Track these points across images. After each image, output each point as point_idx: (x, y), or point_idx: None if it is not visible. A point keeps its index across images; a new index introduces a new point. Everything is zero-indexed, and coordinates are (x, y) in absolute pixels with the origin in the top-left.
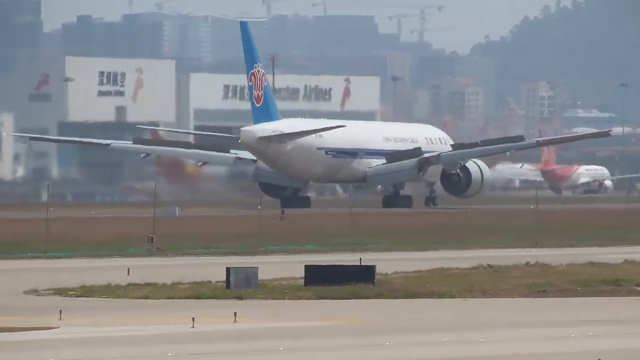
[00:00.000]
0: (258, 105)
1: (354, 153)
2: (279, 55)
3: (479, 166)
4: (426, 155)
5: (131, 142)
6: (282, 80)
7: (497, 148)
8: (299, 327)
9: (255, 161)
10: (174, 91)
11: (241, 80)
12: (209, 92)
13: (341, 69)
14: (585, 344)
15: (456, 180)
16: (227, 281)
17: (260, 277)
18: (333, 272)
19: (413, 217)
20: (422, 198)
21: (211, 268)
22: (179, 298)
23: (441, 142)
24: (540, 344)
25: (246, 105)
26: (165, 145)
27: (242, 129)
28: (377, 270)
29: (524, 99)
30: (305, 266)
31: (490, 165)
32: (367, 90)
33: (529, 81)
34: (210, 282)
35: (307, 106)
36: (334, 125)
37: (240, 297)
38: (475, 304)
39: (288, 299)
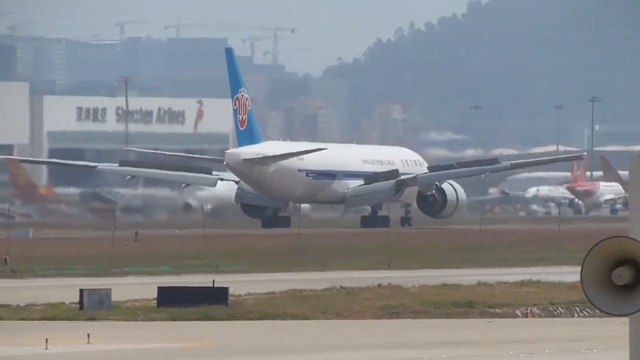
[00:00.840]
0: (242, 129)
1: (333, 175)
2: (132, 78)
3: (454, 188)
4: (403, 177)
5: (117, 165)
6: (136, 103)
7: (472, 170)
8: (152, 349)
9: (237, 182)
10: (28, 113)
11: (95, 102)
12: (63, 114)
13: (194, 92)
14: None
15: (432, 202)
16: (81, 303)
17: (113, 298)
18: (186, 294)
19: (268, 239)
20: (399, 218)
21: (65, 290)
22: (32, 319)
23: (416, 164)
24: None
25: (101, 127)
26: (150, 168)
27: (227, 151)
28: (231, 291)
29: (377, 121)
30: (158, 287)
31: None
32: (220, 112)
33: (383, 103)
34: (63, 303)
35: (161, 129)
36: (315, 148)
37: (93, 319)
38: (328, 326)
39: (141, 320)
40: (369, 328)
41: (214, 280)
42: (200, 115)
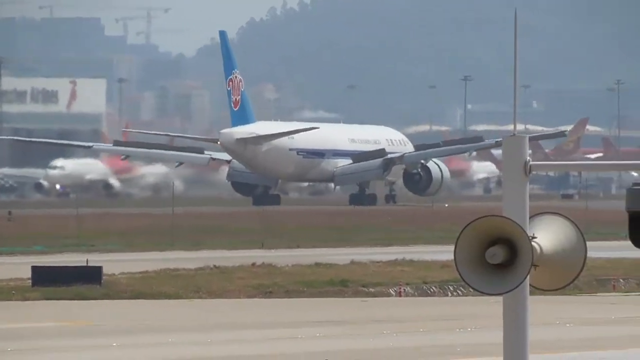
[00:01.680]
0: (235, 110)
1: (322, 154)
2: (6, 58)
3: (439, 166)
4: (390, 155)
5: (112, 145)
6: (10, 83)
7: (458, 148)
8: (27, 328)
9: (228, 162)
10: None
11: None
12: None
13: (68, 71)
14: (313, 345)
15: (418, 179)
16: None
17: None
18: (60, 273)
19: (141, 218)
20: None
21: None
22: None
23: (401, 144)
24: (267, 344)
25: None
26: (144, 147)
27: (221, 131)
28: (105, 271)
29: (251, 101)
30: (32, 267)
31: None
32: (93, 92)
33: (256, 83)
34: None
35: (35, 108)
36: (306, 127)
37: None
38: (202, 305)
39: (15, 300)
40: (243, 307)
41: (87, 260)
42: (73, 95)
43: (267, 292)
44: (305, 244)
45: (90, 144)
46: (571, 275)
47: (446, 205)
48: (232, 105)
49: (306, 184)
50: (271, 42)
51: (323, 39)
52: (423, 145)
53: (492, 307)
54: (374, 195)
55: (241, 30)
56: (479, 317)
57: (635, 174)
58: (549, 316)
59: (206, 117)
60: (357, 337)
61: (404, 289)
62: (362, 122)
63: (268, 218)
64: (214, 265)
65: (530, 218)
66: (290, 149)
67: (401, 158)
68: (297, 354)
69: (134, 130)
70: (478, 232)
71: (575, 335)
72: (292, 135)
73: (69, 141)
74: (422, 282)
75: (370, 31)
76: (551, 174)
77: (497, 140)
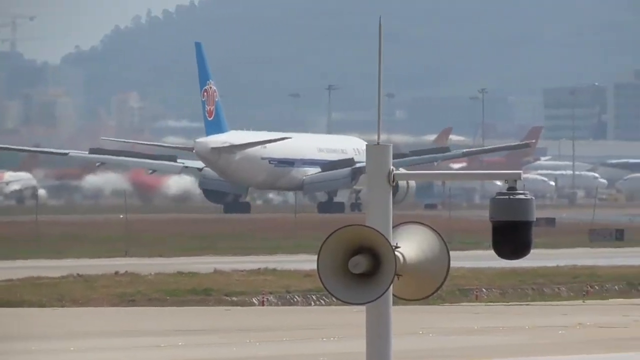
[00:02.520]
0: (210, 119)
1: (292, 162)
2: None
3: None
4: (358, 164)
5: (87, 152)
6: None
7: (425, 158)
8: None
9: (200, 170)
10: None
11: None
12: None
13: None
14: (176, 353)
15: None
16: None
17: None
18: None
19: (5, 226)
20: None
21: None
22: None
23: None
24: (130, 352)
25: None
26: (118, 155)
27: (196, 140)
28: None
29: (115, 110)
30: None
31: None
32: None
33: (120, 91)
34: None
35: None
36: (278, 137)
37: None
38: (65, 313)
39: None
40: (106, 316)
41: None
42: None
43: (130, 300)
44: (169, 253)
45: (67, 151)
46: (434, 285)
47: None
48: (207, 115)
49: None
50: (136, 50)
51: (187, 47)
52: (393, 155)
53: (355, 317)
54: (341, 203)
55: (106, 38)
56: (343, 326)
57: (499, 183)
58: (412, 326)
59: (71, 125)
60: (221, 346)
61: (267, 298)
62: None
63: (132, 226)
64: (78, 274)
65: (393, 227)
66: (262, 158)
67: None
68: None
69: (109, 138)
70: (341, 241)
71: (438, 345)
72: (265, 145)
73: (41, 148)
74: (286, 291)
75: (235, 39)
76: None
77: (463, 151)
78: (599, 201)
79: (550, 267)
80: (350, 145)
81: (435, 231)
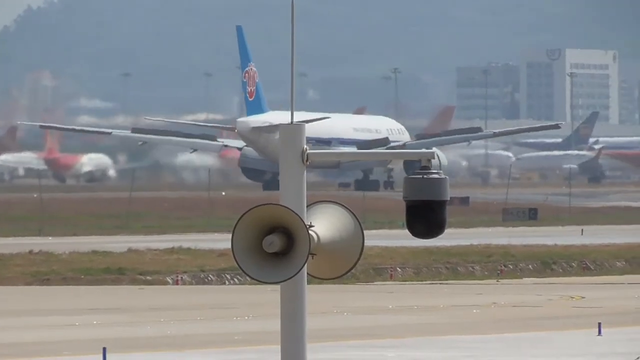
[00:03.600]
0: (251, 100)
1: (328, 142)
2: None
3: (437, 154)
4: (392, 143)
5: (130, 131)
6: None
7: (457, 138)
8: None
9: (240, 149)
10: None
11: None
12: None
13: None
14: (90, 332)
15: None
16: None
17: None
18: None
19: None
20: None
21: None
22: None
23: (399, 132)
24: (45, 331)
25: None
26: (161, 135)
27: (238, 120)
28: None
29: (27, 88)
30: None
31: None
32: None
33: (32, 71)
34: None
35: None
36: (317, 117)
37: None
38: None
39: None
40: (20, 294)
41: None
42: None
43: (44, 279)
44: (82, 232)
45: (110, 130)
46: (349, 264)
47: (223, 193)
48: (248, 95)
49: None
50: (48, 30)
51: (98, 27)
52: (424, 135)
53: (269, 296)
54: (376, 181)
55: (19, 18)
56: (257, 305)
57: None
58: (327, 305)
59: None
60: (135, 325)
61: (181, 277)
62: (137, 110)
63: (47, 205)
64: None
65: (308, 207)
66: None
67: (403, 146)
68: (75, 341)
69: (151, 118)
70: (255, 220)
71: (353, 324)
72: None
73: (85, 127)
74: (200, 270)
75: (145, 18)
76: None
77: (494, 131)
78: (512, 180)
79: (464, 246)
80: (384, 125)
81: (349, 210)
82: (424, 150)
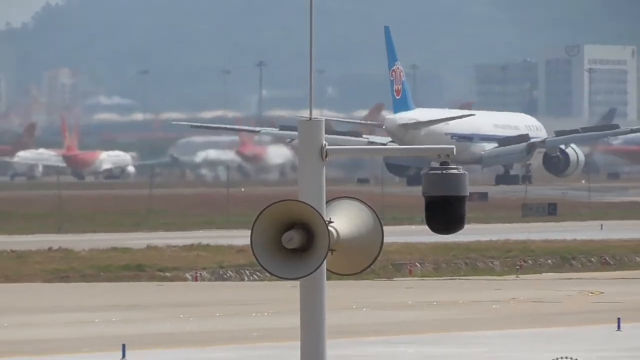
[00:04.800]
0: (397, 97)
1: (471, 138)
2: None
3: (575, 150)
4: (532, 140)
5: (278, 129)
6: None
7: (596, 135)
8: None
9: (384, 145)
10: None
11: None
12: None
13: None
14: (109, 329)
15: (557, 162)
16: None
17: None
18: None
19: None
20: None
21: None
22: None
23: (537, 129)
24: (64, 328)
25: None
26: None
27: (386, 117)
28: None
29: (46, 87)
30: None
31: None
32: None
33: (51, 68)
34: None
35: None
36: (461, 114)
37: None
38: None
39: None
40: (39, 291)
41: None
42: None
43: (63, 276)
44: (101, 229)
45: (259, 128)
46: (368, 260)
47: (242, 189)
48: (395, 93)
49: None
50: (66, 27)
51: (116, 24)
52: (562, 132)
53: (289, 292)
54: (516, 175)
55: (36, 15)
56: (276, 301)
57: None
58: (346, 301)
59: (1, 103)
60: (154, 322)
61: (200, 274)
62: (156, 107)
63: (66, 202)
64: (11, 250)
65: (326, 203)
66: (445, 134)
67: (543, 142)
68: (94, 338)
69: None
70: (274, 216)
71: (373, 319)
72: (447, 122)
73: (227, 125)
74: (219, 267)
75: (162, 16)
76: (347, 158)
77: (632, 128)
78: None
79: (483, 241)
80: (523, 122)
81: (368, 206)
82: (444, 146)
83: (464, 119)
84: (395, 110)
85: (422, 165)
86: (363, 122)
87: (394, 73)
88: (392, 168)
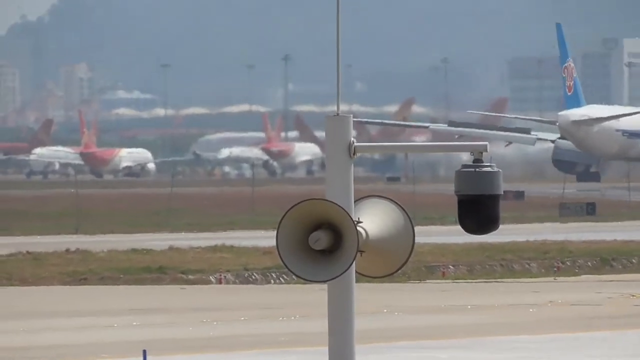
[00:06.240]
0: (569, 94)
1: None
2: None
3: None
4: None
5: (446, 125)
6: None
7: None
8: None
9: (553, 141)
10: None
11: None
12: None
13: None
14: (130, 334)
15: None
16: None
17: None
18: None
19: None
20: None
21: None
22: None
23: None
24: (82, 333)
25: None
26: (477, 128)
27: (559, 113)
28: None
29: (63, 81)
30: None
31: None
32: None
33: (68, 63)
34: None
35: None
36: (632, 112)
37: None
38: (14, 292)
39: None
40: (57, 295)
41: None
42: None
43: (81, 279)
44: (121, 229)
45: (427, 124)
46: (399, 262)
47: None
48: (567, 89)
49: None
50: (84, 20)
51: (135, 17)
52: None
53: (317, 295)
54: (596, 173)
55: (53, 8)
56: (303, 305)
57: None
58: (377, 304)
59: (17, 97)
60: (176, 326)
61: (225, 276)
62: (177, 102)
63: (83, 202)
64: (27, 251)
65: (355, 202)
66: (617, 130)
67: None
68: (114, 343)
69: (476, 112)
70: (301, 216)
71: (404, 324)
72: (619, 118)
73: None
74: (244, 269)
75: (184, 8)
76: (376, 156)
77: None
78: (569, 174)
79: (519, 242)
80: None
81: (399, 205)
82: (476, 142)
83: (635, 115)
84: (568, 107)
85: (592, 162)
86: (497, 114)
87: (566, 70)
88: (560, 165)
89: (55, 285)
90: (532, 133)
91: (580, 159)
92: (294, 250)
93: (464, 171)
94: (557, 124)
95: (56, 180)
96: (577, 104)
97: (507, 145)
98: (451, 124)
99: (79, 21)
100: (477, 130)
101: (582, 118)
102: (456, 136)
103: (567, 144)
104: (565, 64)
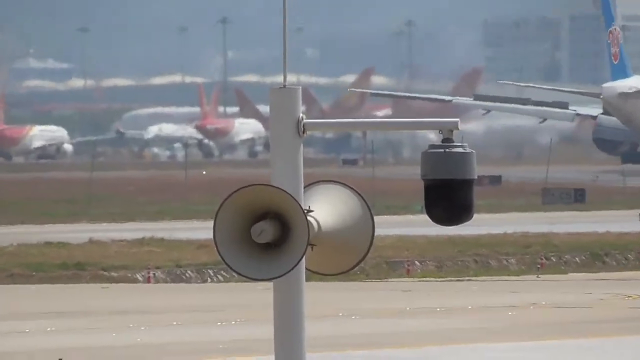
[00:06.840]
0: (615, 63)
1: None
2: None
3: None
4: None
5: (472, 99)
6: None
7: None
8: None
9: (594, 117)
10: None
11: None
12: None
13: None
14: (44, 341)
15: None
16: None
17: None
18: None
19: None
20: None
21: None
22: None
23: None
24: None
25: None
26: (506, 102)
27: (604, 85)
28: None
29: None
30: None
31: None
32: None
33: None
34: None
35: None
36: None
37: None
38: None
39: None
40: None
41: None
42: None
43: None
44: (33, 220)
45: (451, 97)
46: (356, 257)
47: (204, 172)
48: (612, 58)
49: None
50: None
51: None
52: None
53: (260, 296)
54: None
55: None
56: (245, 307)
57: (432, 134)
58: (331, 307)
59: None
60: (97, 332)
61: (154, 274)
62: (98, 72)
63: None
64: None
65: (305, 188)
66: None
67: None
68: (26, 353)
69: (511, 82)
70: (241, 204)
71: (363, 330)
72: None
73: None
74: (175, 265)
75: None
76: (330, 134)
77: None
78: (553, 155)
79: (496, 234)
80: None
81: (356, 192)
82: (447, 119)
83: None
84: (613, 78)
85: (638, 141)
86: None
87: (611, 35)
88: (602, 144)
89: None
90: (570, 108)
91: (625, 137)
92: (234, 244)
93: (431, 152)
94: (601, 96)
95: None
96: (624, 74)
97: (541, 122)
98: (477, 97)
99: None
100: (506, 105)
101: (631, 90)
102: (483, 112)
103: (611, 120)
104: (611, 28)
